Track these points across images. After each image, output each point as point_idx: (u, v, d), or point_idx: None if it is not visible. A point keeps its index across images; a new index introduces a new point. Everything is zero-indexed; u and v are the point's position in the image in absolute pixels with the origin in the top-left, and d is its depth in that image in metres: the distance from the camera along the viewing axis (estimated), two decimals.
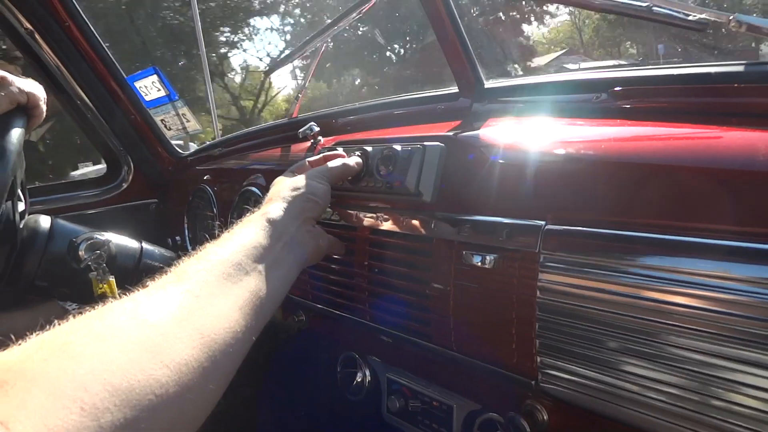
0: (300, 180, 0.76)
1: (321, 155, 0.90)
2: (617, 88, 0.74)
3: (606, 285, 0.58)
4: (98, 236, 1.05)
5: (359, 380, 1.02)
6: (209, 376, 0.48)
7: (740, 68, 0.63)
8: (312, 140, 1.14)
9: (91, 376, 0.39)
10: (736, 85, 0.62)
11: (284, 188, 0.74)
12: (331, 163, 0.83)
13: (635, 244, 0.57)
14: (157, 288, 0.53)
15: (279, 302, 0.64)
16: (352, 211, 0.92)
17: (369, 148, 0.87)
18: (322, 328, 1.12)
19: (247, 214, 0.69)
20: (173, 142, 1.64)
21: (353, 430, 1.20)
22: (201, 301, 0.52)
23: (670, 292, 0.53)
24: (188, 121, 1.57)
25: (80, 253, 1.02)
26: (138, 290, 0.52)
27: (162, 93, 1.53)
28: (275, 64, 1.66)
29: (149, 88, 1.53)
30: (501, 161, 0.73)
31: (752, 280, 0.48)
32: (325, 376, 1.15)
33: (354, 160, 0.86)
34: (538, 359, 0.64)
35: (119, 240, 1.11)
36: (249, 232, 0.65)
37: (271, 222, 0.67)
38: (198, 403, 0.46)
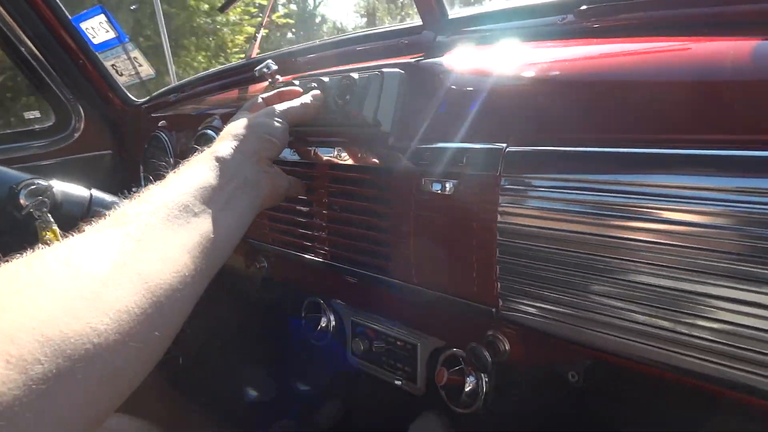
0: (255, 118, 0.70)
1: (275, 91, 0.84)
2: (583, 7, 0.71)
3: (568, 203, 0.56)
4: (40, 182, 0.99)
5: (323, 325, 1.00)
6: (154, 323, 0.44)
7: None
8: (270, 79, 1.08)
9: (16, 326, 0.35)
10: None
11: (237, 126, 0.68)
12: (290, 102, 0.76)
13: (598, 160, 0.54)
14: (94, 232, 0.48)
15: (233, 246, 0.59)
16: (309, 147, 0.88)
17: (326, 79, 0.82)
18: (285, 273, 1.10)
19: (195, 154, 0.64)
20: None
21: (319, 374, 1.19)
22: (143, 244, 0.48)
23: (635, 207, 0.51)
24: (141, 65, 1.48)
25: (21, 200, 0.96)
26: (72, 236, 0.47)
27: (111, 35, 1.43)
28: (227, 1, 1.54)
29: (97, 29, 1.42)
30: (461, 86, 0.70)
31: (719, 189, 0.46)
32: (289, 322, 1.13)
33: (313, 100, 0.79)
34: (499, 285, 0.63)
35: (64, 187, 1.05)
36: (197, 171, 0.59)
37: (222, 161, 0.61)
38: (143, 351, 0.43)
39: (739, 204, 0.45)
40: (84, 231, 0.48)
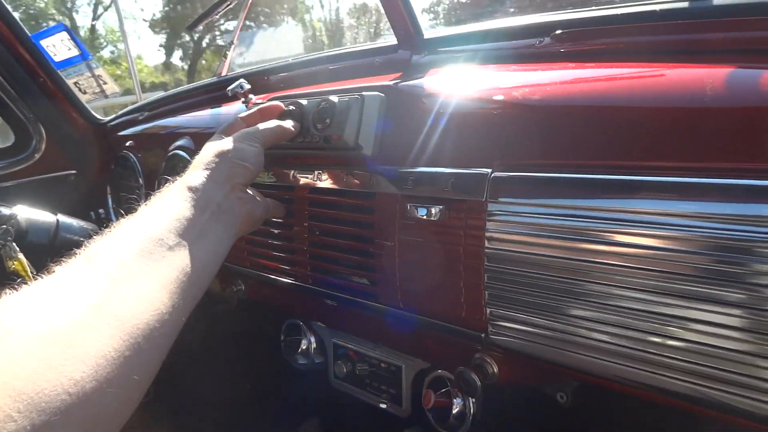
0: (226, 143, 0.67)
1: (256, 108, 0.82)
2: (559, 32, 0.72)
3: (555, 229, 0.56)
4: (3, 210, 0.94)
5: (304, 347, 0.99)
6: (133, 367, 0.43)
7: (684, 5, 0.62)
8: (242, 99, 1.07)
9: None
10: (679, 22, 0.61)
11: (208, 154, 0.66)
12: (264, 125, 0.75)
13: (584, 187, 0.55)
14: (64, 273, 0.46)
15: (210, 277, 0.58)
16: (288, 170, 0.86)
17: (304, 102, 0.81)
18: (263, 296, 1.08)
19: (167, 185, 0.62)
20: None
21: (301, 399, 1.17)
22: (118, 283, 0.46)
23: (620, 233, 0.52)
24: (105, 83, 1.43)
25: None
26: (42, 277, 0.45)
27: (73, 52, 1.38)
28: (197, 19, 1.51)
29: (58, 47, 1.37)
30: (443, 110, 0.70)
31: (699, 215, 0.47)
32: (268, 346, 1.11)
33: (289, 123, 0.78)
34: (488, 311, 0.63)
35: (29, 213, 1.01)
36: (169, 203, 0.58)
37: (194, 190, 0.60)
38: (121, 396, 0.41)
39: (722, 231, 0.46)
40: (54, 271, 0.46)
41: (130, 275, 0.48)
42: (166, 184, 0.62)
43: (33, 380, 0.35)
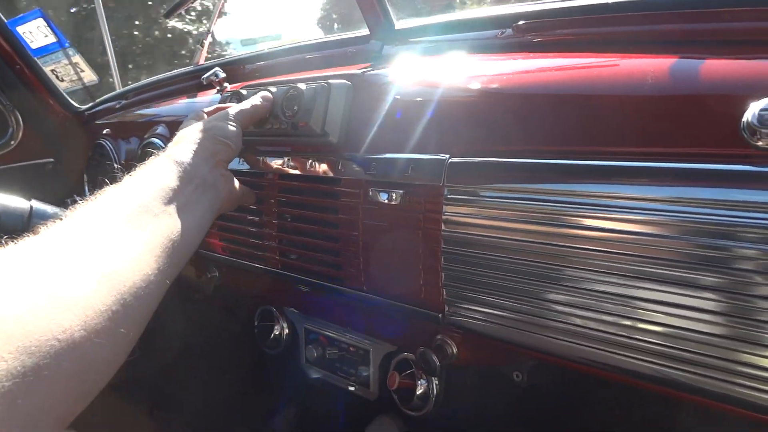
0: (209, 122, 0.70)
1: (228, 98, 0.84)
2: (520, 23, 0.74)
3: (508, 212, 0.58)
4: None
5: (277, 333, 1.00)
6: (120, 320, 0.44)
7: None
8: (218, 87, 1.07)
9: None
10: (630, 14, 0.64)
11: (193, 130, 0.68)
12: (240, 105, 0.77)
13: (535, 171, 0.57)
14: (51, 233, 0.47)
15: (194, 247, 0.60)
16: (258, 157, 0.88)
17: (273, 89, 0.82)
18: (237, 283, 1.09)
19: (152, 157, 0.63)
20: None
21: (274, 384, 1.19)
22: (104, 244, 0.47)
23: (571, 216, 0.54)
24: (83, 71, 1.43)
25: None
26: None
27: (50, 39, 1.38)
28: (174, 6, 1.50)
29: (35, 33, 1.37)
30: (406, 98, 0.72)
31: (641, 198, 0.50)
32: (243, 332, 1.12)
33: (261, 101, 0.80)
34: (445, 292, 0.65)
35: (2, 199, 1.01)
36: (155, 173, 0.59)
37: (180, 164, 0.61)
38: (108, 348, 0.43)
39: (668, 213, 0.48)
40: (42, 231, 0.47)
41: (117, 237, 0.49)
42: (151, 157, 0.63)
43: (21, 324, 0.36)
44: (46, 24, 1.37)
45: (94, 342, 0.41)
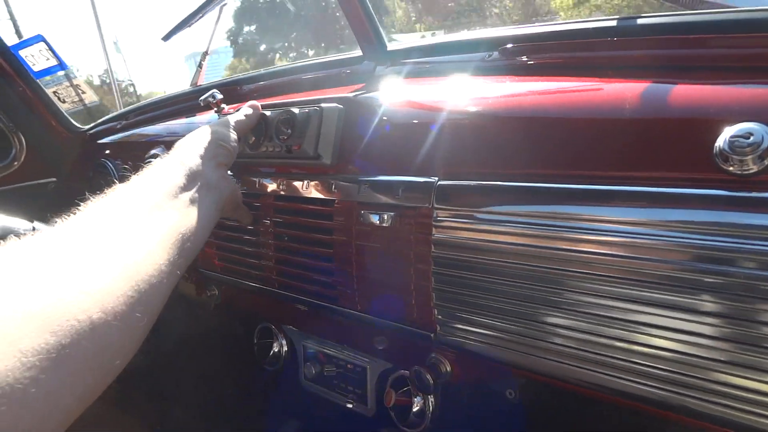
0: (207, 129, 0.74)
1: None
2: (508, 46, 0.75)
3: (495, 235, 0.59)
4: None
5: (276, 350, 1.01)
6: (134, 305, 0.46)
7: (613, 23, 0.66)
8: (215, 108, 1.09)
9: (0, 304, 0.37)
10: (610, 39, 0.65)
11: (195, 135, 0.72)
12: (235, 115, 0.82)
13: (521, 194, 0.59)
14: (64, 227, 0.50)
15: (202, 242, 0.63)
16: (254, 179, 0.89)
17: (268, 113, 0.84)
18: (236, 300, 1.10)
19: (157, 159, 0.66)
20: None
21: (273, 400, 1.20)
22: (117, 235, 0.50)
23: (555, 237, 0.55)
24: (84, 92, 1.46)
25: None
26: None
27: (51, 62, 1.41)
28: (172, 29, 1.53)
29: (36, 57, 1.40)
30: (396, 121, 0.73)
31: (623, 221, 0.51)
32: (243, 350, 1.13)
33: (252, 110, 0.84)
34: (436, 312, 0.66)
35: (5, 221, 1.02)
36: (162, 173, 0.63)
37: (185, 164, 0.65)
38: (125, 331, 0.45)
39: (648, 236, 0.50)
40: (55, 225, 0.50)
41: (130, 230, 0.52)
42: (156, 159, 0.66)
43: (43, 306, 0.39)
44: (47, 47, 1.40)
45: (111, 324, 0.43)
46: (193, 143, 0.70)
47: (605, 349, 0.54)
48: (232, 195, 0.73)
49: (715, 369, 0.47)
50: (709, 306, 0.46)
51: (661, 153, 0.51)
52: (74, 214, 0.52)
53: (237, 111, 0.89)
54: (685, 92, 0.53)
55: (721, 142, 0.46)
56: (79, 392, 0.40)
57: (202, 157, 0.68)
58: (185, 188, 0.63)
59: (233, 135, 0.76)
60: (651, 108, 0.54)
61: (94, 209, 0.53)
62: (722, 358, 0.46)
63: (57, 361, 0.38)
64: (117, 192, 0.57)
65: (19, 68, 1.41)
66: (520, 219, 0.58)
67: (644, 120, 0.53)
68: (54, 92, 1.44)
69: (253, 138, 0.85)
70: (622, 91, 0.58)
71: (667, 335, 0.49)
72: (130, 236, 0.51)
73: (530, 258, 0.57)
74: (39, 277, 0.41)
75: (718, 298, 0.46)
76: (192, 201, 0.63)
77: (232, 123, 0.78)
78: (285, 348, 1.01)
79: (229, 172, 0.75)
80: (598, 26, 0.68)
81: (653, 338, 0.50)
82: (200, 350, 1.29)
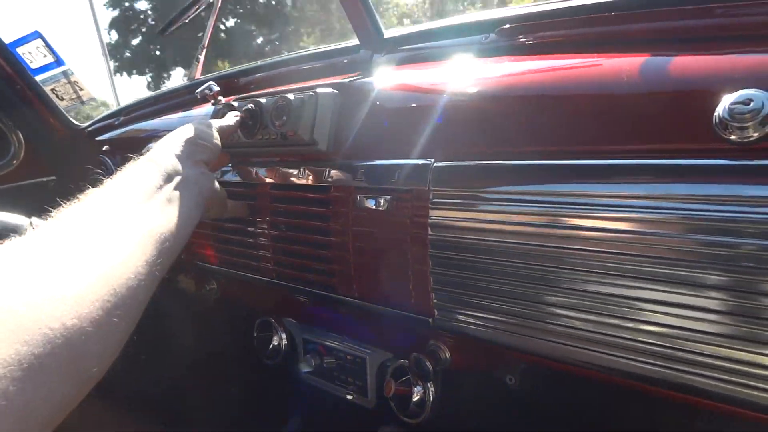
0: (185, 128, 0.73)
1: (221, 110, 0.88)
2: (505, 26, 0.74)
3: (493, 215, 0.58)
4: None
5: (275, 344, 1.00)
6: (111, 310, 0.45)
7: None
8: (212, 100, 1.09)
9: None
10: (607, 14, 0.64)
11: (169, 136, 0.72)
12: (214, 120, 0.81)
13: (518, 173, 0.57)
14: (39, 233, 0.48)
15: (182, 241, 0.62)
16: (250, 168, 0.88)
17: (263, 100, 0.83)
18: (236, 294, 1.10)
19: (131, 161, 0.65)
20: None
21: (275, 394, 1.19)
22: (92, 238, 0.49)
23: (557, 216, 0.54)
24: (82, 89, 1.45)
25: None
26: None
27: (49, 59, 1.40)
28: (169, 22, 1.51)
29: (34, 54, 1.39)
30: (392, 104, 0.72)
31: (623, 195, 0.50)
32: (242, 343, 1.12)
33: (234, 117, 0.83)
34: (434, 296, 0.65)
35: (2, 217, 1.02)
36: (135, 174, 0.61)
37: (159, 163, 0.64)
38: (102, 337, 0.44)
39: (649, 210, 0.48)
40: (30, 232, 0.48)
41: (103, 233, 0.51)
42: (130, 162, 0.65)
43: (14, 316, 0.38)
44: (44, 44, 1.40)
45: (87, 331, 0.42)
46: (169, 142, 0.69)
47: (608, 328, 0.52)
48: (213, 192, 0.72)
49: (722, 344, 0.46)
50: (714, 279, 0.45)
51: (660, 125, 0.50)
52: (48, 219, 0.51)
53: (232, 103, 0.89)
54: (683, 63, 0.52)
55: (720, 110, 0.44)
56: (54, 403, 0.39)
57: (178, 156, 0.67)
58: (161, 187, 0.61)
59: (214, 133, 0.75)
60: (650, 80, 0.53)
61: (67, 215, 0.52)
62: (728, 333, 0.45)
63: (29, 371, 0.37)
64: (90, 196, 0.56)
65: (17, 66, 1.41)
66: (519, 198, 0.57)
67: (643, 93, 0.52)
68: (52, 89, 1.44)
69: (249, 124, 0.84)
70: (621, 65, 0.56)
71: (671, 311, 0.48)
72: (105, 239, 0.50)
73: (530, 237, 0.56)
74: (9, 284, 0.40)
75: (723, 270, 0.44)
76: (169, 200, 0.61)
77: (214, 123, 0.78)
78: (285, 341, 1.00)
79: (217, 180, 0.74)
80: (596, 1, 0.67)
81: (657, 315, 0.49)
82: (199, 345, 1.29)
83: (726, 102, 0.44)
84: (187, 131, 0.72)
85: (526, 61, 0.68)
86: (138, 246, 0.53)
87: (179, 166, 0.66)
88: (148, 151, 0.69)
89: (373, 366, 0.85)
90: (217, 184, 0.74)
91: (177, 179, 0.64)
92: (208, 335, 1.27)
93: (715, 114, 0.45)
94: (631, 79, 0.53)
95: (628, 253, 0.50)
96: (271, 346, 1.00)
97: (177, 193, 0.63)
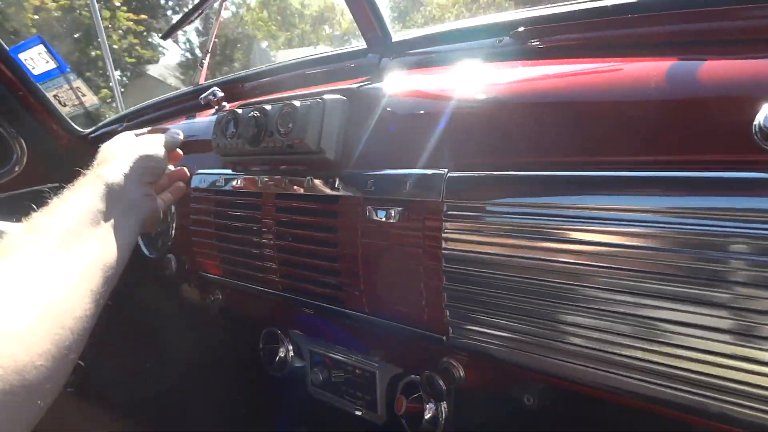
0: (138, 142, 0.72)
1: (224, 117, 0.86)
2: (520, 29, 0.71)
3: (510, 228, 0.55)
4: None
5: (282, 355, 0.98)
6: (61, 343, 0.46)
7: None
8: (216, 106, 1.06)
9: None
10: (631, 16, 0.61)
11: (124, 150, 0.69)
12: (163, 135, 0.78)
13: (539, 184, 0.54)
14: None
15: (123, 266, 0.61)
16: (255, 176, 0.86)
17: (268, 107, 0.80)
18: (241, 305, 1.07)
19: (80, 177, 0.64)
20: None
21: (281, 407, 1.16)
22: (37, 272, 0.49)
23: (579, 231, 0.51)
24: (84, 95, 1.43)
25: None
26: None
27: (51, 65, 1.38)
28: (171, 27, 1.50)
29: (36, 60, 1.37)
30: (402, 111, 0.70)
31: (651, 210, 0.47)
32: (248, 355, 1.10)
33: (179, 131, 0.80)
34: (448, 313, 0.62)
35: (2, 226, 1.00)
36: (83, 196, 0.60)
37: (109, 185, 0.62)
38: (52, 369, 0.45)
39: (680, 225, 0.45)
40: None
41: (49, 265, 0.51)
42: (80, 177, 0.63)
43: None
44: (46, 50, 1.38)
45: (38, 366, 0.43)
46: (121, 159, 0.67)
47: (632, 350, 0.49)
48: (152, 213, 0.71)
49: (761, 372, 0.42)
50: (758, 303, 0.42)
51: (692, 135, 0.46)
52: None
53: (236, 110, 0.87)
54: (716, 68, 0.48)
55: (761, 118, 0.41)
56: None
57: (127, 176, 0.65)
58: (107, 212, 0.60)
59: (162, 151, 0.73)
60: (680, 86, 0.50)
61: (13, 243, 0.51)
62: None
63: None
64: (35, 222, 0.55)
65: (19, 72, 1.39)
66: (538, 211, 0.54)
67: (672, 100, 0.49)
68: (54, 96, 1.42)
69: (254, 132, 0.81)
70: (647, 70, 0.53)
71: (700, 334, 0.45)
72: (52, 270, 0.50)
73: (549, 252, 0.53)
74: None
75: (763, 292, 0.41)
76: (114, 227, 0.60)
77: (161, 141, 0.75)
78: (291, 353, 0.97)
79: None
80: (615, 3, 0.63)
81: (687, 338, 0.46)
82: (204, 356, 1.26)
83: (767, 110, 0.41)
84: (140, 150, 0.70)
85: (543, 66, 0.65)
86: (84, 276, 0.53)
87: (129, 189, 0.65)
88: (99, 160, 0.68)
89: (383, 381, 0.82)
90: (156, 203, 0.72)
91: (123, 204, 0.63)
92: (213, 345, 1.25)
93: (755, 123, 0.42)
94: (658, 85, 0.50)
95: (655, 272, 0.47)
96: (277, 358, 0.98)
97: (122, 218, 0.62)
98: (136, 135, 0.78)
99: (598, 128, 0.53)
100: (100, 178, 0.62)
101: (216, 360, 1.25)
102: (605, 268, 0.50)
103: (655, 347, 0.48)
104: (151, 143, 0.73)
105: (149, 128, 0.85)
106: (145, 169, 0.68)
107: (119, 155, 0.68)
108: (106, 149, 0.70)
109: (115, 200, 0.61)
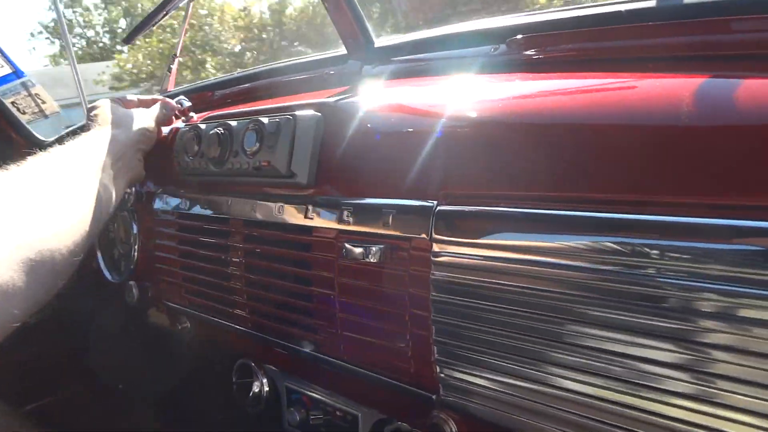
0: (139, 112, 0.84)
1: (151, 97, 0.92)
2: (518, 37, 0.62)
3: (510, 276, 0.47)
4: None
5: (256, 390, 0.89)
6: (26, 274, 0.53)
7: (651, 3, 0.53)
8: (183, 117, 0.97)
9: None
10: (645, 24, 0.52)
11: (125, 115, 0.81)
12: (156, 107, 0.89)
13: (543, 223, 0.46)
14: None
15: (108, 211, 0.70)
16: (223, 199, 0.76)
17: (233, 123, 0.71)
18: (210, 336, 0.98)
19: (91, 129, 0.76)
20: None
21: None
22: (32, 206, 0.59)
23: (592, 277, 0.42)
24: (44, 102, 1.33)
25: None
26: None
27: (6, 70, 1.28)
28: (134, 30, 1.40)
29: None
30: (385, 131, 0.61)
31: (680, 258, 0.38)
32: (221, 387, 1.01)
33: (168, 105, 0.90)
34: (438, 369, 0.53)
35: None
36: (93, 143, 0.72)
37: (114, 143, 0.74)
38: (28, 288, 0.53)
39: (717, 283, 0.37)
40: None
41: (40, 197, 0.61)
42: (83, 133, 0.75)
43: None
44: (1, 54, 1.28)
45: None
46: (125, 125, 0.79)
47: (649, 416, 0.41)
48: (138, 176, 0.82)
49: None
50: None
51: (729, 173, 0.38)
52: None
53: (199, 125, 0.80)
54: (752, 87, 0.40)
55: None
56: None
57: (129, 139, 0.78)
58: (109, 164, 0.71)
59: (153, 124, 0.84)
60: (706, 109, 0.41)
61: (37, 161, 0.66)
62: None
63: None
64: (55, 150, 0.69)
65: None
66: (541, 254, 0.45)
67: (699, 126, 0.40)
68: (12, 102, 1.31)
69: (218, 152, 0.72)
70: (663, 89, 0.45)
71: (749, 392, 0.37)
72: (54, 199, 0.61)
73: (550, 308, 0.44)
74: None
75: None
76: (114, 177, 0.71)
77: (152, 114, 0.86)
78: (266, 388, 0.88)
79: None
80: (628, 9, 0.55)
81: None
82: (176, 389, 1.17)
83: None
84: (138, 117, 0.82)
85: (545, 80, 0.56)
86: (75, 210, 0.63)
87: (127, 151, 0.76)
88: (101, 121, 0.77)
89: (366, 425, 0.73)
90: (142, 168, 0.82)
91: (122, 162, 0.74)
92: (182, 376, 1.15)
93: None
94: (679, 107, 0.41)
95: (679, 337, 0.38)
96: (251, 393, 0.89)
97: (120, 172, 0.73)
98: (139, 100, 0.90)
99: (612, 159, 0.44)
100: (107, 135, 0.74)
101: (186, 392, 1.15)
102: (622, 317, 0.41)
103: (683, 415, 0.39)
104: (147, 114, 0.85)
105: (152, 96, 0.93)
106: (141, 138, 0.80)
107: (124, 121, 0.79)
108: (112, 112, 0.80)
109: (117, 158, 0.73)
